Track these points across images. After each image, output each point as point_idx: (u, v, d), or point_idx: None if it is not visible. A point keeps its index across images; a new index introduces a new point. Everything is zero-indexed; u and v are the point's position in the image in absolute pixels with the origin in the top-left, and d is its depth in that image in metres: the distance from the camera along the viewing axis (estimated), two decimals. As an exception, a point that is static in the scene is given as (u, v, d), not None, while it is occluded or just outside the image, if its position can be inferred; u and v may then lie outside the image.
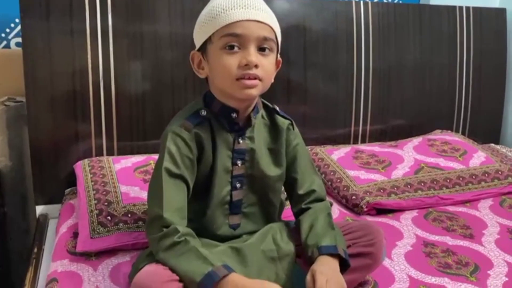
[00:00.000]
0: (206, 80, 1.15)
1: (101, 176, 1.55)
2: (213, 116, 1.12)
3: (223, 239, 1.15)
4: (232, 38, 1.04)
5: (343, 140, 2.06)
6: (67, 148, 1.74)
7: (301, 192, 1.21)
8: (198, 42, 1.11)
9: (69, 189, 1.70)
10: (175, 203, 1.05)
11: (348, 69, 2.04)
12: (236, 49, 1.04)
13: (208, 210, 1.13)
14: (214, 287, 0.95)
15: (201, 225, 1.13)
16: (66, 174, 1.73)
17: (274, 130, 1.20)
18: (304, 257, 1.13)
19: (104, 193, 1.47)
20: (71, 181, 1.68)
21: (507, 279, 1.25)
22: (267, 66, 1.07)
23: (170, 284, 0.96)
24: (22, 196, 1.85)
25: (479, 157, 1.88)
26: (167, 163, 1.06)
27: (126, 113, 1.78)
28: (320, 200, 1.22)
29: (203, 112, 1.11)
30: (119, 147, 1.79)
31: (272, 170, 1.18)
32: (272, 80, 1.13)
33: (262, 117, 1.19)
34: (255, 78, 1.05)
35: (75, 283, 1.20)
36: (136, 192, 1.49)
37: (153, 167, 1.60)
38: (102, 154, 1.77)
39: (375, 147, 1.94)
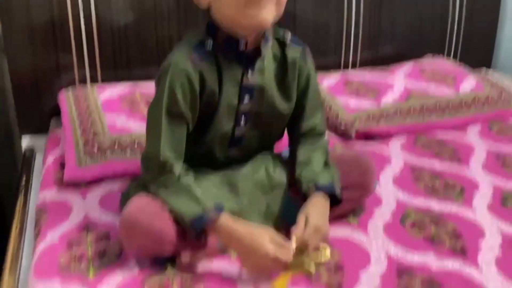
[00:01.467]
0: (207, 11, 1.04)
1: (85, 105, 1.52)
2: (219, 47, 1.03)
3: (217, 166, 1.13)
4: None
5: (334, 67, 2.02)
6: (49, 80, 1.69)
7: (303, 127, 1.17)
8: None
9: (54, 120, 1.67)
10: (172, 142, 1.01)
11: (338, -6, 1.96)
12: None
13: (206, 143, 1.10)
14: (204, 229, 0.96)
15: (198, 154, 1.10)
16: (50, 105, 1.70)
17: (285, 62, 1.11)
18: (295, 188, 1.13)
19: (90, 123, 1.44)
20: (56, 112, 1.65)
21: (492, 200, 1.27)
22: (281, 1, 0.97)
23: (159, 216, 0.97)
24: (7, 129, 1.81)
25: (469, 82, 1.86)
26: (166, 100, 1.00)
27: (109, 42, 1.72)
28: (320, 136, 1.19)
29: (209, 44, 1.02)
30: (103, 77, 1.74)
31: (281, 107, 1.12)
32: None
33: (272, 47, 1.10)
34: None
35: (64, 212, 1.20)
36: (123, 122, 1.46)
37: (139, 97, 1.59)
38: (85, 83, 1.72)
39: (365, 74, 1.91)
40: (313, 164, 1.12)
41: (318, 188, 1.07)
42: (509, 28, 2.24)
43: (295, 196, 1.14)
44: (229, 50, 1.03)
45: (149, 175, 1.02)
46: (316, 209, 1.04)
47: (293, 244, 0.97)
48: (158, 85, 1.04)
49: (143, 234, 0.95)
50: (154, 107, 1.03)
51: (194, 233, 0.96)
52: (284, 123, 1.18)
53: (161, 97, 1.01)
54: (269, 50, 1.09)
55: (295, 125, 1.18)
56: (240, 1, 0.95)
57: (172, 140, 1.01)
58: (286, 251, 0.95)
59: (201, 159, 1.12)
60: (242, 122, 1.10)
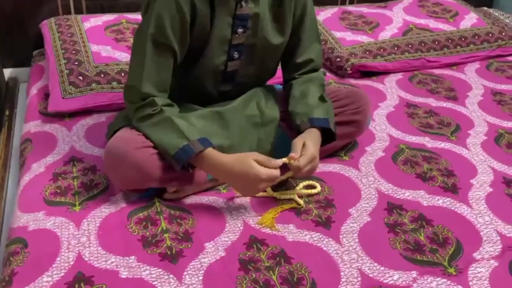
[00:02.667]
0: None
1: (69, 35, 1.45)
2: None
3: (210, 102, 1.09)
4: None
5: (330, 1, 1.93)
6: (31, 9, 1.60)
7: (299, 60, 1.12)
8: None
9: (37, 51, 1.60)
10: (156, 75, 0.96)
11: None
12: None
13: (198, 77, 1.05)
14: (189, 161, 0.93)
15: (188, 87, 1.06)
16: (32, 35, 1.62)
17: None
18: (288, 122, 1.09)
19: (74, 52, 1.38)
20: (39, 42, 1.57)
21: (486, 137, 1.26)
22: None
23: (143, 150, 0.94)
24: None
25: (470, 18, 1.80)
26: (153, 29, 0.94)
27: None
28: (315, 70, 1.14)
29: None
30: (88, 6, 1.65)
31: (276, 38, 1.07)
32: None
33: None
34: None
35: (49, 142, 1.17)
36: (108, 52, 1.40)
37: (125, 26, 1.51)
38: (69, 13, 1.63)
39: (363, 8, 1.83)
40: (309, 98, 1.08)
41: (312, 121, 1.04)
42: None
43: (287, 131, 1.11)
44: None
45: (131, 107, 0.98)
46: (313, 139, 1.01)
47: (281, 161, 0.95)
48: (145, 13, 0.97)
49: (127, 166, 0.93)
50: (139, 36, 0.97)
51: (179, 166, 0.93)
52: (278, 58, 1.13)
53: (147, 26, 0.94)
54: None
55: (290, 58, 1.13)
56: None
57: (156, 72, 0.96)
58: (274, 167, 0.94)
59: (192, 94, 1.07)
60: (235, 55, 1.04)
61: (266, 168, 0.93)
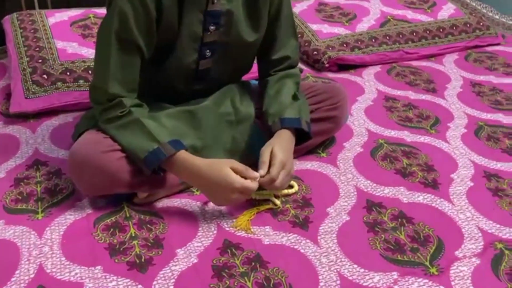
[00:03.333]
0: None
1: (32, 31, 1.38)
2: None
3: (182, 101, 1.04)
4: None
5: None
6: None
7: (274, 57, 1.07)
8: None
9: (-2, 49, 1.52)
10: (122, 73, 0.90)
11: None
12: None
13: (168, 76, 0.99)
14: (160, 165, 0.88)
15: (158, 87, 1.01)
16: (-6, 32, 1.54)
17: None
18: (263, 120, 1.05)
19: (38, 49, 1.31)
20: (1, 39, 1.50)
21: (465, 130, 1.23)
22: None
23: (110, 154, 0.88)
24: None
25: (448, 9, 1.77)
26: (117, 26, 0.88)
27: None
28: (292, 67, 1.10)
29: None
30: (53, 0, 1.58)
31: (250, 35, 1.02)
32: None
33: None
34: None
35: (11, 145, 1.11)
36: (75, 48, 1.33)
37: (93, 21, 1.45)
38: (33, 8, 1.56)
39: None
40: (282, 96, 1.03)
41: (283, 122, 0.99)
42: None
43: (262, 129, 1.06)
44: None
45: (98, 108, 0.93)
46: (282, 143, 0.97)
47: (259, 173, 0.91)
48: (108, 8, 0.92)
49: (93, 171, 0.88)
50: (103, 33, 0.91)
51: (149, 171, 0.89)
52: (253, 55, 1.08)
53: (110, 22, 0.89)
54: None
55: (266, 55, 1.08)
56: None
57: (123, 71, 0.91)
58: (252, 179, 0.89)
59: (163, 93, 1.02)
60: (207, 53, 0.99)
61: (242, 178, 0.88)
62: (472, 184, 1.04)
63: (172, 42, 0.95)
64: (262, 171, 0.91)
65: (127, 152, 0.89)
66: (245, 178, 0.89)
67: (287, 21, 1.08)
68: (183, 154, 0.89)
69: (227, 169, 0.88)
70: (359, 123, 1.25)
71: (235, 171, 0.88)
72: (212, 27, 0.97)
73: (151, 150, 0.87)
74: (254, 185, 0.89)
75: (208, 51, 0.99)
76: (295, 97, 1.04)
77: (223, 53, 1.01)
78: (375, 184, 1.03)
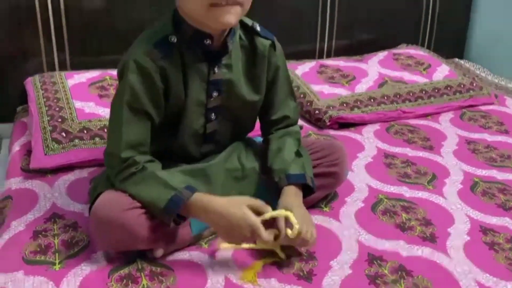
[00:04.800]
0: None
1: (53, 92, 1.47)
2: (184, 42, 0.98)
3: (192, 162, 1.10)
4: None
5: (309, 55, 2.01)
6: (15, 65, 1.64)
7: (274, 117, 1.15)
8: None
9: (20, 107, 1.62)
10: (134, 140, 0.96)
11: (314, -20, 1.94)
12: None
13: (179, 141, 1.06)
14: (180, 211, 0.92)
15: (170, 150, 1.07)
16: (16, 91, 1.65)
17: (253, 54, 1.07)
18: (268, 175, 1.11)
19: (57, 109, 1.40)
20: (23, 98, 1.60)
21: (461, 186, 1.29)
22: None
23: (131, 212, 0.93)
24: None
25: (442, 70, 1.88)
26: (128, 97, 0.95)
27: (78, 27, 1.67)
28: (292, 125, 1.17)
29: (173, 39, 0.97)
30: (72, 62, 1.70)
31: (251, 97, 1.09)
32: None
33: (240, 38, 1.06)
34: (234, 3, 0.91)
35: (30, 199, 1.17)
36: (92, 108, 1.42)
37: (109, 82, 1.55)
38: (54, 70, 1.67)
39: (340, 62, 1.90)
40: (285, 153, 1.10)
41: (289, 178, 1.06)
42: (481, 20, 2.26)
43: (268, 184, 1.13)
44: (195, 46, 0.99)
45: (113, 172, 0.98)
46: (291, 199, 1.02)
47: (289, 234, 0.95)
48: (119, 80, 1.00)
49: (115, 229, 0.92)
50: (115, 103, 0.99)
51: (170, 220, 0.92)
52: (255, 114, 1.16)
53: (122, 93, 0.96)
54: (236, 43, 1.05)
55: (266, 115, 1.16)
56: (204, 3, 0.91)
57: (134, 136, 0.97)
58: (269, 232, 0.93)
59: (175, 156, 1.08)
60: (213, 117, 1.07)
61: (257, 218, 0.92)
62: (468, 238, 1.08)
63: (181, 109, 1.03)
64: (290, 232, 0.95)
65: (147, 205, 0.93)
66: (263, 213, 0.93)
67: (285, 84, 1.15)
68: (199, 196, 0.93)
69: (245, 209, 0.91)
70: (360, 179, 1.31)
71: (253, 209, 0.92)
72: (215, 94, 1.05)
73: (170, 197, 0.91)
74: (268, 235, 0.92)
75: (213, 114, 1.07)
76: (298, 154, 1.11)
77: (227, 116, 1.09)
78: (376, 238, 1.07)
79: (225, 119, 1.09)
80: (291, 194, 1.04)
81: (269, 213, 0.95)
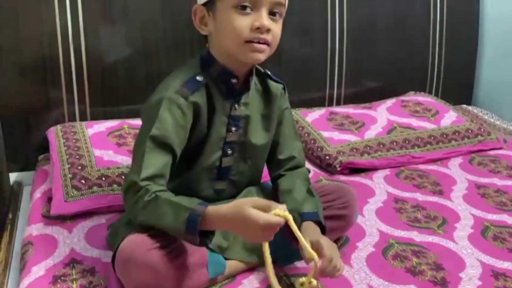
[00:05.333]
0: (205, 38, 1.10)
1: (74, 141, 1.54)
2: (210, 80, 1.07)
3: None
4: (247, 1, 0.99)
5: (318, 103, 2.07)
6: (38, 115, 1.72)
7: (281, 157, 1.21)
8: None
9: (42, 156, 1.69)
10: (154, 169, 0.99)
11: (322, 31, 2.03)
12: (248, 10, 0.99)
13: (194, 174, 1.11)
14: (200, 227, 0.92)
15: (184, 186, 1.11)
16: (39, 140, 1.72)
17: (267, 96, 1.16)
18: None
19: (78, 157, 1.46)
20: (44, 147, 1.67)
21: (472, 230, 1.30)
22: (276, 32, 1.03)
23: (154, 252, 0.95)
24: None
25: (450, 116, 1.92)
26: (155, 131, 0.99)
27: (98, 79, 1.76)
28: (299, 167, 1.23)
29: (200, 78, 1.05)
30: (92, 113, 1.78)
31: (262, 138, 1.16)
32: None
33: (255, 83, 1.15)
34: (264, 43, 1.01)
35: (50, 245, 1.21)
36: (110, 156, 1.48)
37: (127, 131, 1.61)
38: (75, 120, 1.75)
39: (349, 109, 1.96)
40: (296, 193, 1.14)
41: (302, 216, 1.08)
42: (487, 66, 2.32)
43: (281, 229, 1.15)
44: (221, 83, 1.08)
45: (130, 205, 1.00)
46: (314, 232, 1.05)
47: (314, 260, 0.96)
48: (147, 117, 1.04)
49: (140, 268, 0.94)
50: (142, 133, 1.03)
51: (196, 237, 0.92)
52: (266, 154, 1.21)
53: (150, 126, 1.00)
54: (253, 84, 1.14)
55: (273, 155, 1.22)
56: (241, 39, 1.00)
57: (154, 168, 0.99)
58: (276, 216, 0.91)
59: (187, 193, 1.10)
60: (229, 151, 1.13)
61: (265, 214, 0.90)
62: (480, 283, 1.09)
63: (202, 142, 1.09)
64: (316, 258, 0.97)
65: (170, 232, 0.95)
66: (268, 211, 0.91)
67: (291, 125, 1.24)
68: (210, 210, 0.93)
69: (248, 209, 0.90)
70: (371, 224, 1.33)
71: (258, 208, 0.91)
72: (233, 129, 1.12)
73: (186, 218, 0.91)
74: (277, 219, 0.90)
75: (229, 149, 1.13)
76: (309, 192, 1.15)
77: (241, 152, 1.15)
78: (387, 283, 1.08)
79: (240, 156, 1.15)
80: (313, 227, 1.06)
81: (272, 212, 0.92)
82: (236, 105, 1.10)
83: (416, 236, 1.27)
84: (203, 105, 1.06)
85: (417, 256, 1.18)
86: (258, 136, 1.16)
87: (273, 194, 1.20)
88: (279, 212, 0.92)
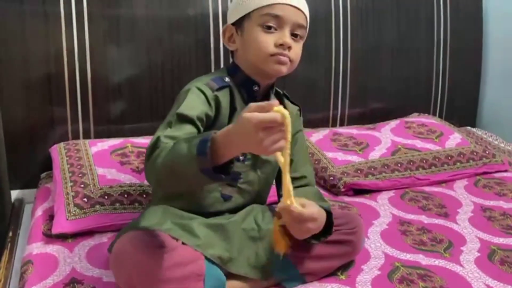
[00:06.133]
0: (231, 53, 1.19)
1: (77, 159, 1.54)
2: (235, 85, 1.14)
3: (210, 211, 1.13)
4: (271, 18, 1.09)
5: (322, 123, 2.07)
6: (42, 133, 1.72)
7: (293, 175, 1.18)
8: (234, 17, 1.15)
9: (45, 173, 1.68)
10: (178, 134, 1.00)
11: (327, 52, 2.04)
12: (273, 29, 1.10)
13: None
14: (210, 151, 0.85)
15: (189, 195, 1.11)
16: (41, 158, 1.72)
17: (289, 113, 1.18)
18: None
19: (80, 175, 1.45)
20: (47, 165, 1.66)
21: (479, 254, 1.28)
22: (297, 51, 1.12)
23: (147, 251, 0.95)
24: (-3, 181, 1.82)
25: (455, 138, 1.91)
26: (181, 109, 1.04)
27: (103, 98, 1.76)
28: (310, 185, 1.23)
29: (227, 79, 1.14)
30: (96, 131, 1.78)
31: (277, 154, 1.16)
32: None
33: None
34: (287, 57, 1.10)
35: (50, 264, 1.19)
36: (113, 174, 1.48)
37: (130, 150, 1.61)
38: (78, 138, 1.75)
39: (353, 130, 1.95)
40: (308, 198, 1.13)
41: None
42: (491, 88, 2.33)
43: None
44: (244, 90, 1.14)
45: (148, 162, 0.96)
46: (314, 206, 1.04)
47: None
48: (176, 103, 1.09)
49: (133, 267, 0.94)
50: (167, 116, 1.05)
51: (208, 163, 0.85)
52: (277, 169, 1.20)
53: (176, 108, 1.05)
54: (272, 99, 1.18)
55: None
56: (266, 53, 1.09)
57: (179, 133, 1.00)
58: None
59: (193, 199, 1.12)
60: (241, 157, 1.15)
61: (258, 113, 0.82)
62: (488, 308, 1.07)
63: None
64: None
65: (183, 166, 0.88)
66: (268, 109, 0.83)
67: (304, 147, 1.26)
68: (218, 132, 0.87)
69: (244, 114, 0.83)
70: (376, 246, 1.31)
71: (257, 111, 0.83)
72: None
73: (198, 141, 0.86)
74: (270, 114, 0.82)
75: (242, 155, 1.15)
76: (321, 200, 1.16)
77: (253, 160, 1.16)
78: (393, 307, 1.07)
79: (251, 165, 1.16)
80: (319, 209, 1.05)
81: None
82: None
83: (422, 260, 1.25)
84: (225, 103, 1.11)
85: (423, 280, 1.16)
86: None
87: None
88: (276, 109, 0.82)
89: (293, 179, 1.17)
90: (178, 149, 0.90)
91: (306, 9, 1.15)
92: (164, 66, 1.81)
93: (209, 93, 1.09)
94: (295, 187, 1.17)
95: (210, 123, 1.09)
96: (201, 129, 1.07)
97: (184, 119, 1.04)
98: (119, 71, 1.77)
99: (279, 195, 1.23)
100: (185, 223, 1.06)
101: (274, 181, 1.26)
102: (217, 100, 1.10)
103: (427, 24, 2.20)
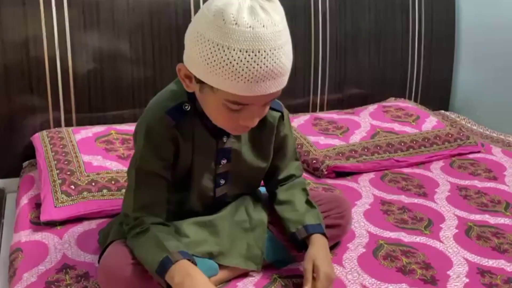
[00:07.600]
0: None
1: (61, 146, 1.53)
2: (196, 113, 1.01)
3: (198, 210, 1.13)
4: (238, 105, 0.90)
5: (302, 109, 2.11)
6: (23, 121, 1.70)
7: (280, 177, 1.20)
8: (193, 68, 0.90)
9: (27, 162, 1.66)
10: (145, 201, 1.01)
11: (306, 40, 2.07)
12: (239, 107, 0.91)
13: (190, 202, 1.10)
14: (169, 274, 0.91)
15: (182, 212, 1.10)
16: (23, 147, 1.70)
17: (263, 126, 1.08)
18: (277, 227, 1.16)
19: (66, 163, 1.45)
20: (29, 154, 1.65)
21: (457, 230, 1.34)
22: (267, 110, 0.98)
23: (135, 266, 0.96)
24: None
25: (431, 121, 1.98)
26: (139, 161, 1.01)
27: (84, 85, 1.75)
28: (297, 178, 1.22)
29: (187, 107, 0.99)
30: (78, 119, 1.76)
31: (258, 164, 1.14)
32: None
33: None
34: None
35: (41, 251, 1.20)
36: (99, 161, 1.47)
37: (114, 137, 1.61)
38: (60, 126, 1.73)
39: (333, 115, 2.00)
40: (296, 204, 1.15)
41: (307, 229, 1.09)
42: (463, 74, 2.41)
43: (276, 234, 1.17)
44: (208, 121, 1.00)
45: (126, 228, 1.03)
46: (321, 254, 1.06)
47: None
48: (134, 141, 1.05)
49: (121, 282, 0.95)
50: (130, 166, 1.04)
51: (163, 281, 0.93)
52: (262, 176, 1.20)
53: (135, 157, 1.03)
54: None
55: (272, 177, 1.21)
56: (225, 113, 0.93)
57: (145, 198, 1.01)
58: None
59: (186, 214, 1.11)
60: (222, 182, 1.11)
61: None
62: (467, 280, 1.13)
63: (189, 173, 1.06)
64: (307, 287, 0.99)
65: (147, 268, 0.95)
66: None
67: (291, 149, 1.21)
68: (184, 264, 0.92)
69: None
70: (360, 225, 1.36)
71: None
72: (223, 161, 1.08)
73: (161, 260, 0.92)
74: None
75: (222, 180, 1.11)
76: (309, 203, 1.16)
77: (235, 180, 1.13)
78: (379, 282, 1.11)
79: (234, 183, 1.13)
80: (317, 246, 1.07)
81: None
82: (224, 139, 1.06)
83: (404, 237, 1.30)
84: (186, 137, 1.01)
85: (406, 256, 1.21)
86: (252, 165, 1.13)
87: (267, 201, 1.21)
88: None
89: (281, 180, 1.20)
90: (146, 248, 0.96)
91: (286, 79, 0.93)
92: (146, 51, 1.80)
93: (163, 131, 0.98)
94: (281, 185, 1.20)
95: (175, 157, 1.03)
96: (168, 175, 1.02)
97: (145, 174, 1.01)
98: (100, 57, 1.76)
99: (268, 190, 1.23)
100: (173, 223, 1.05)
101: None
102: (176, 136, 1.00)
103: (403, 11, 2.25)
